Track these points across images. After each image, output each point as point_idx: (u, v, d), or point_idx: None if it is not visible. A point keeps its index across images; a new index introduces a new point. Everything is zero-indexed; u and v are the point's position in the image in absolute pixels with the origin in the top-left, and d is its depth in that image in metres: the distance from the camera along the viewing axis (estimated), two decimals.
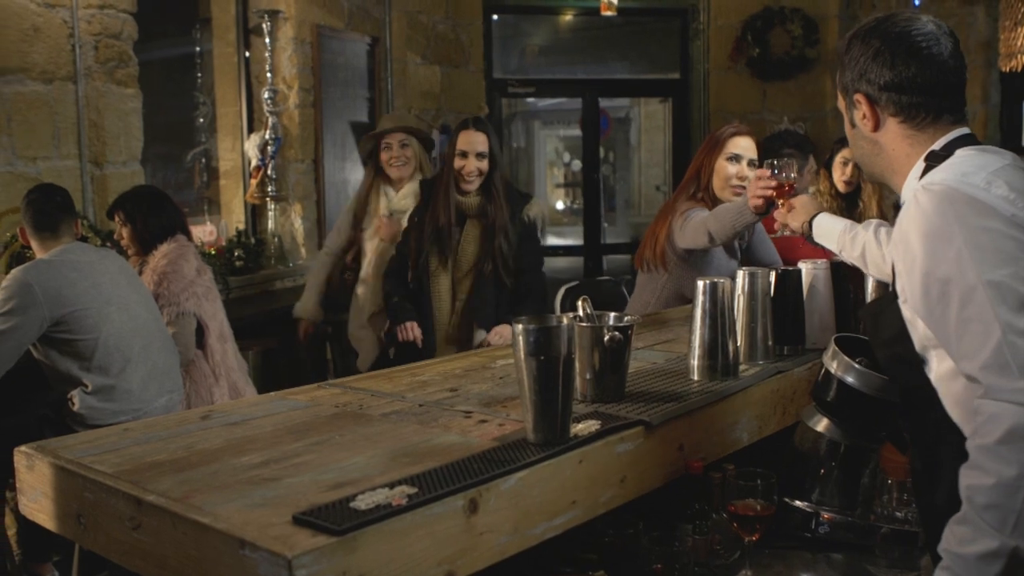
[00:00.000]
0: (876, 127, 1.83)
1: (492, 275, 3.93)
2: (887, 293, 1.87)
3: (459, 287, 4.02)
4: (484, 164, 3.94)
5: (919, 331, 1.68)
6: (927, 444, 1.74)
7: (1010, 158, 1.70)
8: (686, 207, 3.40)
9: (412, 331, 3.86)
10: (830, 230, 2.51)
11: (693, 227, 3.22)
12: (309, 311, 4.93)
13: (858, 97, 1.84)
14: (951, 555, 1.47)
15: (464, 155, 3.93)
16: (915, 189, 1.66)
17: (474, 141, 3.93)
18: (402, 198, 4.66)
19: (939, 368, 1.67)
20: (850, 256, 2.44)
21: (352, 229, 4.82)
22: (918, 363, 1.71)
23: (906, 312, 1.70)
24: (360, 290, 4.70)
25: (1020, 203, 1.58)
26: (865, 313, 1.95)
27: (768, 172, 2.80)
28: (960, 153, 1.72)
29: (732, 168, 3.40)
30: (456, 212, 3.98)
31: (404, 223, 4.30)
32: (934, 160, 1.74)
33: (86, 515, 1.54)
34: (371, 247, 4.65)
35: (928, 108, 1.77)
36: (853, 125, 1.89)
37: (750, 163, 3.42)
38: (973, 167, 1.65)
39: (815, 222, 2.57)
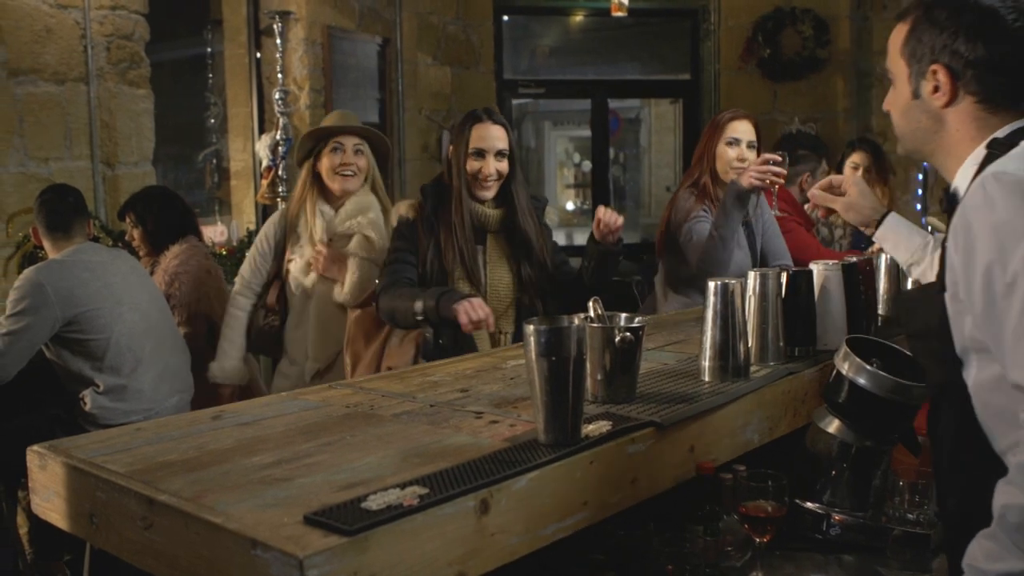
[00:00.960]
0: (950, 103, 1.69)
1: (531, 305, 3.16)
2: (927, 283, 1.79)
3: (502, 322, 3.15)
4: (504, 165, 3.15)
5: (964, 330, 1.56)
6: (948, 447, 1.67)
7: None
8: (687, 205, 3.58)
9: (480, 308, 2.83)
10: (904, 237, 2.35)
11: (700, 245, 3.44)
12: (231, 374, 3.74)
13: (936, 68, 1.69)
14: (974, 570, 1.43)
15: (480, 154, 3.12)
16: (983, 177, 1.52)
17: (491, 136, 3.14)
18: (347, 218, 3.61)
19: (980, 374, 1.56)
20: (922, 275, 2.26)
21: (274, 260, 3.71)
22: (954, 362, 1.60)
23: (952, 307, 1.58)
24: (291, 345, 3.68)
25: None
26: (901, 301, 1.87)
27: (772, 158, 3.23)
28: None
29: (732, 152, 3.58)
30: (473, 228, 3.15)
31: (358, 245, 3.54)
32: (997, 148, 1.63)
33: (98, 514, 1.55)
34: (302, 283, 3.61)
35: (1009, 92, 1.66)
36: (916, 96, 1.74)
37: (749, 145, 3.59)
38: None
39: (886, 223, 2.38)
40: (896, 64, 1.78)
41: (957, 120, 1.70)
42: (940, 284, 1.62)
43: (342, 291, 3.51)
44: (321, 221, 3.59)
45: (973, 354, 1.56)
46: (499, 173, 3.15)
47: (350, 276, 3.52)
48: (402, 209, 3.27)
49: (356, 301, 3.48)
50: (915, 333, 1.78)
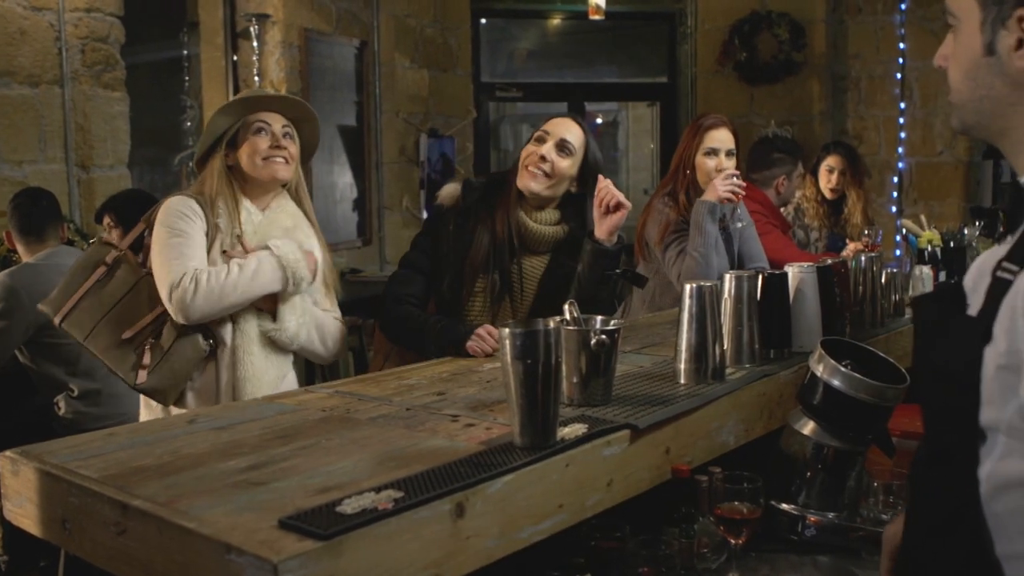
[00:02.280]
0: None
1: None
2: (962, 300, 1.32)
3: None
4: (567, 163, 2.72)
5: (1004, 411, 1.18)
6: (929, 523, 1.35)
7: None
8: (663, 217, 3.61)
9: (488, 339, 2.52)
10: None
11: (681, 267, 3.46)
12: None
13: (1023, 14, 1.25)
14: None
15: (542, 140, 2.74)
16: None
17: (562, 125, 2.75)
18: (270, 224, 2.83)
19: (1004, 464, 1.19)
20: None
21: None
22: (971, 430, 1.23)
23: (996, 374, 1.18)
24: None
25: None
26: (921, 309, 1.47)
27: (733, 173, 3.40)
28: None
29: (711, 162, 3.59)
30: (517, 232, 2.74)
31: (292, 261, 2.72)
32: None
33: (71, 520, 1.53)
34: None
35: None
36: (991, 52, 1.28)
37: (728, 154, 3.60)
38: None
39: None
40: (962, 6, 1.33)
41: None
42: (984, 330, 1.21)
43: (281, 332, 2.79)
44: (248, 217, 2.81)
45: (1003, 437, 1.19)
46: (555, 168, 2.70)
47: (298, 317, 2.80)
48: (444, 196, 2.84)
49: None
50: (929, 365, 1.39)
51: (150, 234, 2.76)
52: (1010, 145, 1.32)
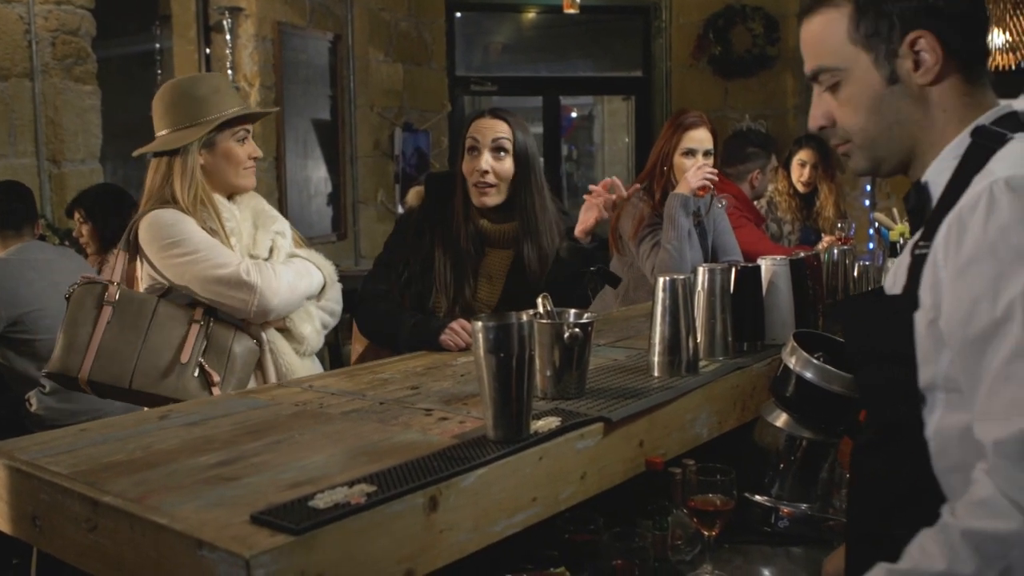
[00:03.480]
0: (939, 78, 1.39)
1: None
2: (882, 292, 1.46)
3: None
4: (505, 165, 2.71)
5: (939, 364, 1.30)
6: (884, 501, 1.43)
7: None
8: (636, 211, 3.62)
9: (462, 332, 2.53)
10: None
11: (655, 260, 3.48)
12: None
13: (918, 36, 1.38)
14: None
15: (475, 150, 2.71)
16: (993, 183, 1.24)
17: (487, 127, 2.72)
18: (245, 213, 2.80)
19: (945, 419, 1.31)
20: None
21: None
22: (913, 397, 1.34)
23: (927, 332, 1.31)
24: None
25: None
26: (845, 310, 1.59)
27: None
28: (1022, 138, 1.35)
29: (689, 162, 3.61)
30: (476, 238, 2.77)
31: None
32: (983, 138, 1.36)
33: (42, 517, 1.52)
34: None
35: (982, 56, 1.41)
36: (893, 81, 1.41)
37: (706, 153, 3.64)
38: None
39: None
40: (845, 58, 1.44)
41: (943, 100, 1.40)
42: (910, 299, 1.34)
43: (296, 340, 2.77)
44: (229, 215, 2.74)
45: (941, 393, 1.31)
46: (496, 172, 2.70)
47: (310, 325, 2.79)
48: (410, 197, 2.90)
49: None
50: (862, 352, 1.49)
51: (131, 261, 2.66)
52: (920, 164, 1.44)
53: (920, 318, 1.32)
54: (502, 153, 2.70)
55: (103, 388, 2.55)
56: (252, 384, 2.63)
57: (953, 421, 1.28)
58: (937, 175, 1.40)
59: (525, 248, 2.74)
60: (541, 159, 2.76)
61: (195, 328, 2.57)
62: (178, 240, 2.58)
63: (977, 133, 1.37)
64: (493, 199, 2.72)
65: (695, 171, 3.47)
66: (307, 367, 2.72)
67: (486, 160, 2.68)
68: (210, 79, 2.90)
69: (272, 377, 2.67)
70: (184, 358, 2.53)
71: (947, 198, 1.34)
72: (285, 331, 2.71)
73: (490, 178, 2.69)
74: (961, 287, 1.24)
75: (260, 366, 2.68)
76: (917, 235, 1.39)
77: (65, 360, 2.52)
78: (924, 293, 1.31)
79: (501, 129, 2.71)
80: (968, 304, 1.22)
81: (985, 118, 1.38)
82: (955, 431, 1.28)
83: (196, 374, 2.54)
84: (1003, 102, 1.43)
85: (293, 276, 2.64)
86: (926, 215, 1.39)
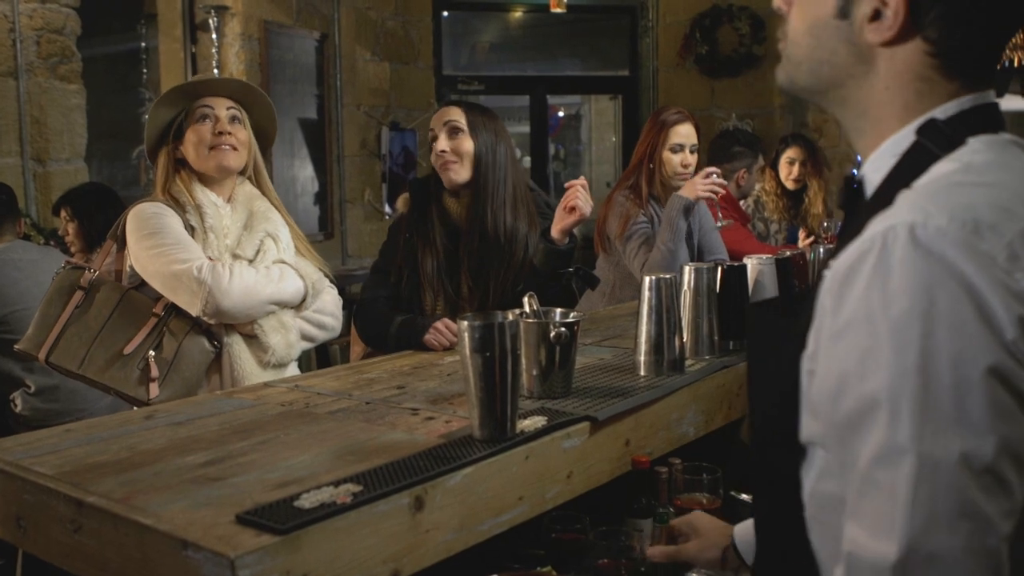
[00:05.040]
0: (893, 41, 1.09)
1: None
2: (792, 303, 1.26)
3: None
4: (463, 144, 2.76)
5: (817, 425, 1.07)
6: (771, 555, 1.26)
7: None
8: (623, 209, 3.64)
9: (446, 332, 2.59)
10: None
11: (645, 259, 3.50)
12: None
13: None
14: None
15: (435, 139, 2.82)
16: (893, 228, 0.97)
17: (441, 115, 2.82)
18: (239, 214, 2.71)
19: (822, 481, 1.08)
20: None
21: None
22: (791, 448, 1.11)
23: (807, 380, 1.08)
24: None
25: None
26: (757, 320, 1.31)
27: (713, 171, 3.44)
28: (978, 147, 1.07)
29: (677, 158, 3.67)
30: (444, 227, 2.84)
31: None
32: (930, 138, 1.08)
33: (26, 518, 1.52)
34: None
35: (972, 50, 1.09)
36: (843, 15, 1.11)
37: (692, 149, 3.69)
38: (999, 204, 0.99)
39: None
40: None
41: (893, 70, 1.11)
42: (801, 336, 1.09)
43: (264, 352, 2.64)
44: (212, 208, 2.65)
45: (820, 450, 1.08)
46: (455, 151, 2.76)
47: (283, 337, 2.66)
48: (400, 203, 3.06)
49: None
50: (757, 373, 1.27)
51: (120, 250, 2.64)
52: (850, 119, 1.18)
53: (805, 363, 1.08)
54: (457, 132, 2.79)
55: (60, 370, 2.56)
56: (204, 388, 2.58)
57: (830, 488, 1.06)
58: (874, 172, 1.14)
59: (485, 228, 2.77)
60: (512, 142, 2.88)
61: (151, 321, 2.55)
62: (151, 232, 2.55)
63: (925, 130, 1.09)
64: (458, 174, 2.79)
65: (704, 180, 3.47)
66: (268, 378, 2.55)
67: (443, 141, 2.78)
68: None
69: (225, 383, 2.58)
70: (127, 350, 2.51)
71: (875, 205, 1.07)
72: (254, 338, 2.61)
73: (449, 156, 2.78)
74: (833, 355, 1.01)
75: (218, 369, 2.61)
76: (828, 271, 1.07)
77: (32, 338, 2.55)
78: (811, 336, 1.07)
79: (453, 113, 2.81)
80: (836, 379, 1.00)
81: (942, 109, 1.09)
82: (832, 500, 1.05)
83: (140, 367, 2.51)
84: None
85: (256, 280, 2.54)
86: (859, 216, 1.11)
